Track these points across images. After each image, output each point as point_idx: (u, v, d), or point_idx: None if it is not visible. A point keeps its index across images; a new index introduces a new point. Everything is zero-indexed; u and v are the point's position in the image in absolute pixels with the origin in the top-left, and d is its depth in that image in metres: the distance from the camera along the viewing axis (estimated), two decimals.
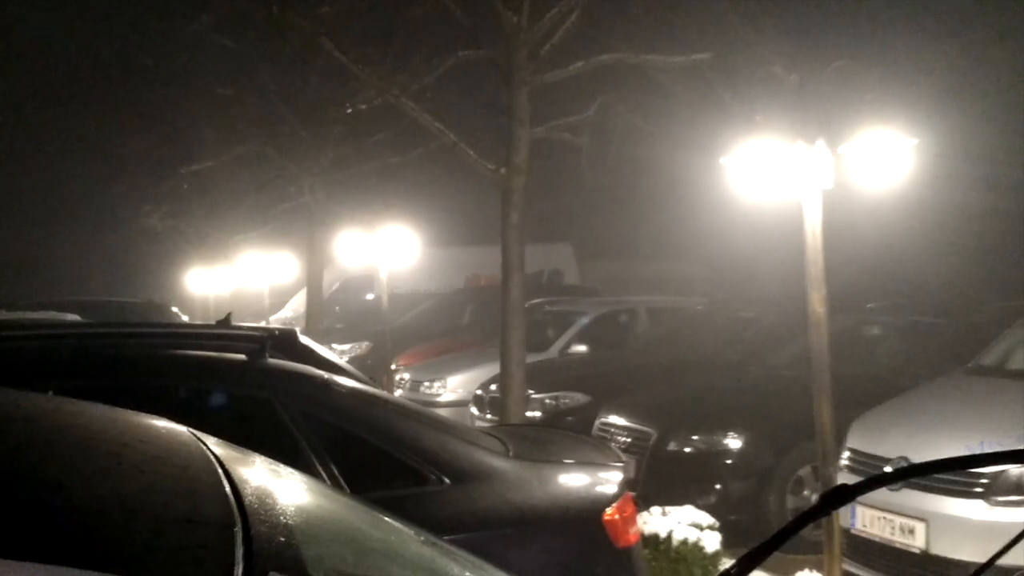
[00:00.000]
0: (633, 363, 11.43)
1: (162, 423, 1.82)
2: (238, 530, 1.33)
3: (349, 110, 13.39)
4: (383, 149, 16.75)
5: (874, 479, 1.80)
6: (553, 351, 13.16)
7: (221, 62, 16.20)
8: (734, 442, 8.13)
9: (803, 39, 9.15)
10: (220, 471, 1.54)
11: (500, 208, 9.68)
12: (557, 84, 10.07)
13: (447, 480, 3.98)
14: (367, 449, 4.04)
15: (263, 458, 1.86)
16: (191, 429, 1.80)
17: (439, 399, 13.16)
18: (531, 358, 10.31)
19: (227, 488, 1.47)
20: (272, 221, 21.17)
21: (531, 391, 10.07)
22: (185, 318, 20.39)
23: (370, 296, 21.28)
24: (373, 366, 14.73)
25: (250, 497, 1.45)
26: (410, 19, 12.34)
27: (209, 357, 4.33)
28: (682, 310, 13.73)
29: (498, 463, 4.14)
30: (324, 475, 3.85)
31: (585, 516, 4.11)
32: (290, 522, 1.45)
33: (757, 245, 16.36)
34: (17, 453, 1.49)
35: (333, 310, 21.64)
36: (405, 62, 11.15)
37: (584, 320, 13.70)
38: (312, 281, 18.51)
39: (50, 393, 3.34)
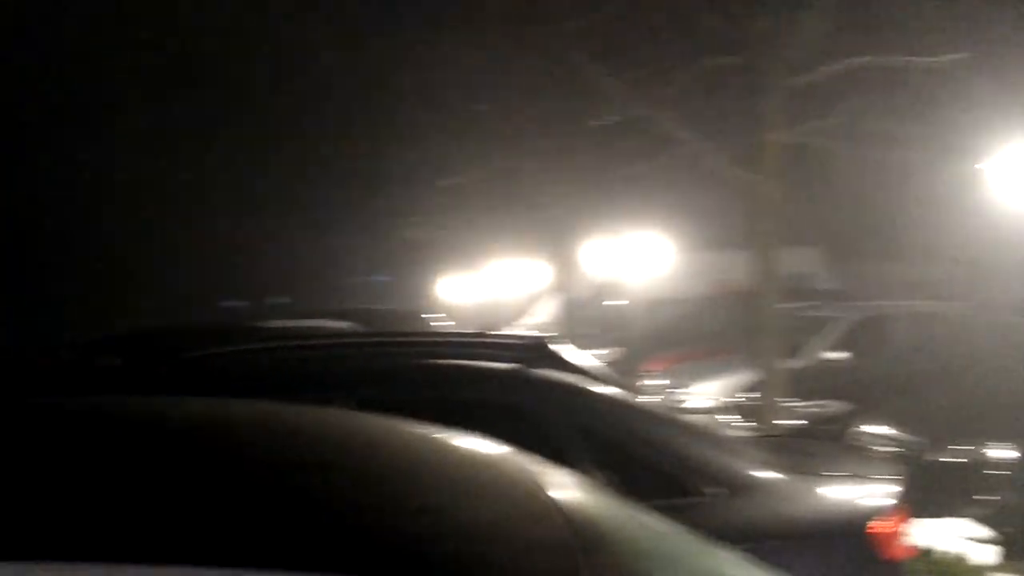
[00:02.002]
0: (895, 370, 10.97)
1: (488, 443, 1.88)
2: (581, 552, 1.36)
3: (597, 123, 13.49)
4: (630, 157, 16.78)
5: None
6: (807, 357, 12.77)
7: (472, 79, 16.64)
8: (1011, 452, 7.72)
9: None
10: (548, 492, 1.59)
11: (751, 214, 9.51)
12: (807, 88, 9.81)
13: (711, 491, 3.94)
14: (632, 459, 4.04)
15: (566, 472, 1.91)
16: (509, 447, 1.87)
17: (687, 405, 13.03)
18: (785, 364, 10.07)
19: (561, 510, 1.50)
20: (525, 231, 21.57)
21: (789, 398, 9.83)
22: (440, 326, 21.04)
23: (618, 302, 21.33)
24: (623, 373, 14.73)
25: (581, 517, 1.48)
26: (654, 29, 12.31)
27: (480, 367, 4.41)
28: (942, 315, 13.06)
29: (765, 474, 4.07)
30: None
31: (853, 529, 3.99)
32: (619, 541, 1.48)
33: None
34: (386, 479, 1.56)
35: (585, 316, 21.82)
36: (651, 72, 11.13)
37: (840, 325, 13.21)
38: (564, 288, 18.76)
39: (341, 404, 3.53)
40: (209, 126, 24.95)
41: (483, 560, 1.32)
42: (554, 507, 1.51)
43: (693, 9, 9.82)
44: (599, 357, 15.97)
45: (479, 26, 13.04)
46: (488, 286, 23.95)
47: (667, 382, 13.70)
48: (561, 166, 17.04)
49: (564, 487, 1.71)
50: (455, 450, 1.82)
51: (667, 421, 4.36)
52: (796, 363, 12.04)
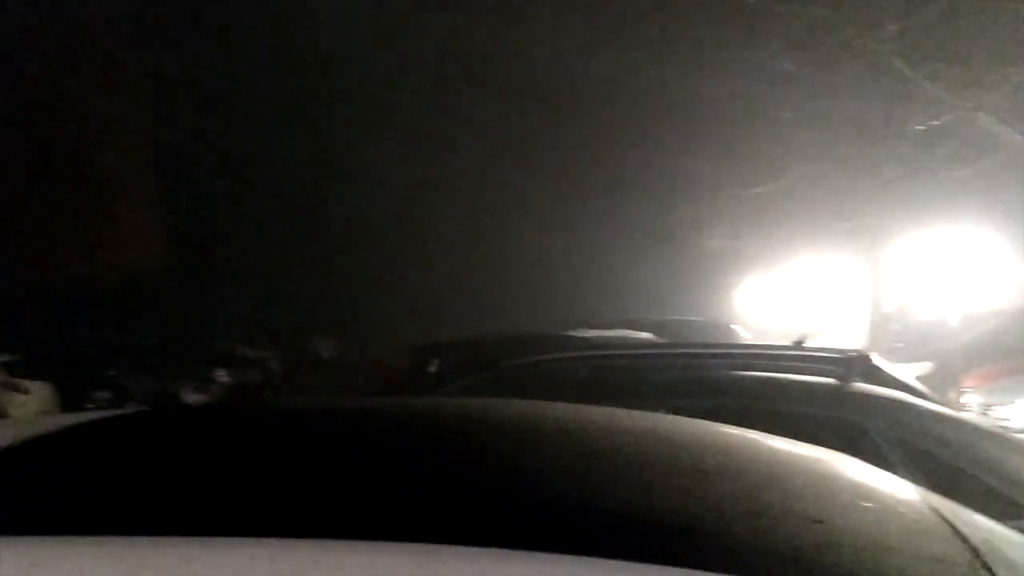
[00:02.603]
0: None
1: (844, 457, 1.89)
2: (980, 567, 1.34)
3: (922, 127, 12.94)
4: (947, 162, 15.98)
5: None
6: None
7: (782, 87, 16.37)
8: None
9: None
10: (928, 504, 1.58)
11: None
12: None
13: None
14: (961, 478, 3.86)
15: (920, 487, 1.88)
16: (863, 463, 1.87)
17: (1010, 424, 12.20)
18: None
19: (949, 523, 1.49)
20: (829, 240, 20.99)
21: None
22: (746, 338, 20.73)
23: (928, 314, 20.28)
24: (937, 388, 14.00)
25: (966, 530, 1.46)
26: (977, 31, 11.68)
27: (800, 381, 4.35)
28: None
29: None
30: None
31: None
32: (1003, 554, 1.44)
33: None
34: (775, 487, 1.58)
35: (893, 328, 20.90)
36: (977, 75, 10.56)
37: None
38: (873, 298, 18.09)
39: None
40: (516, 139, 25.84)
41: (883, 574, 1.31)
42: (947, 523, 1.49)
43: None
44: (909, 371, 15.30)
45: (793, 34, 12.83)
46: (790, 296, 23.41)
47: (985, 399, 12.89)
48: (871, 172, 16.45)
49: (944, 505, 1.68)
50: (830, 462, 1.83)
51: (996, 438, 4.12)
52: None
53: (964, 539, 1.41)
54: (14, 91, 29.66)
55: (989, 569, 1.33)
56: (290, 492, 1.41)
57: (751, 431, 2.04)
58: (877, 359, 4.89)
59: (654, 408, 3.67)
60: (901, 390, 4.43)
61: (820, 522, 1.41)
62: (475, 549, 1.21)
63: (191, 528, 1.28)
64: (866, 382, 4.35)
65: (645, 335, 12.77)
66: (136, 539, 1.25)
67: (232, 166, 36.24)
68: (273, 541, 1.23)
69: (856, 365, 4.35)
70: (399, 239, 37.07)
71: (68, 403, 20.14)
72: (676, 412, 3.44)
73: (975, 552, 1.36)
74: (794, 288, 22.03)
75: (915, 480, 3.79)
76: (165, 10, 32.84)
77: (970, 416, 4.84)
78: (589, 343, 8.88)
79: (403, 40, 29.08)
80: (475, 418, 1.96)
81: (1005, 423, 12.17)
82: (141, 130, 34.40)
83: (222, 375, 26.78)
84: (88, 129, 32.63)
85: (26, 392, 19.67)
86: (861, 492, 1.65)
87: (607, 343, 8.75)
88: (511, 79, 24.22)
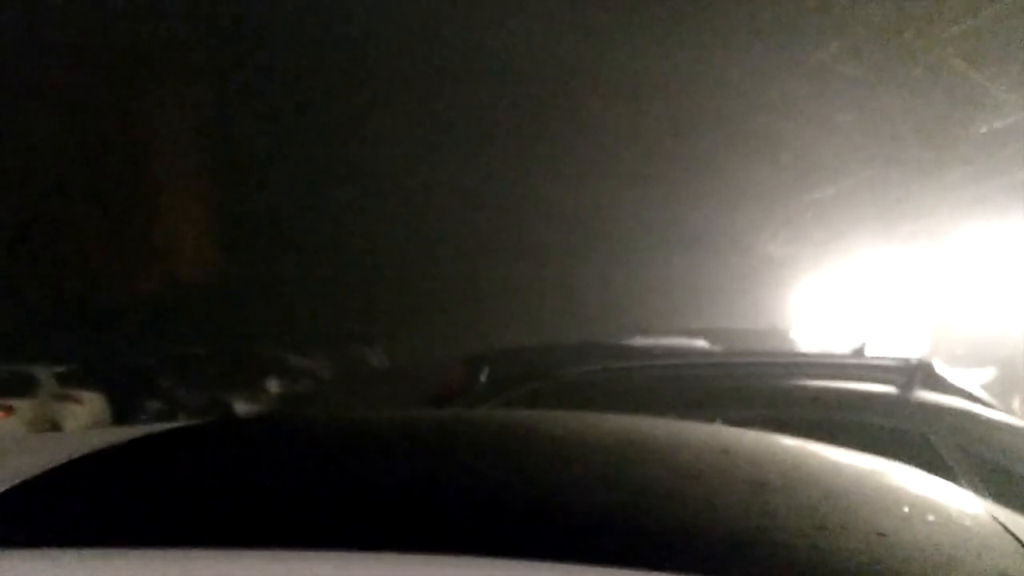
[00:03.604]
0: None
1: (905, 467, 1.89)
2: None
3: (984, 129, 12.78)
4: (1010, 164, 15.76)
5: None
6: None
7: (841, 89, 16.25)
8: None
9: None
10: (992, 516, 1.57)
11: None
12: None
13: None
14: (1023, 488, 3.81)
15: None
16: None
17: None
18: None
19: (1013, 536, 1.49)
20: (891, 243, 20.76)
21: None
22: (804, 346, 20.53)
23: (996, 319, 19.97)
24: (1001, 396, 13.79)
25: None
26: None
27: (860, 390, 4.31)
28: None
29: None
30: None
31: None
32: None
33: None
34: (833, 502, 1.59)
35: (955, 335, 20.61)
36: None
37: None
38: (935, 304, 17.87)
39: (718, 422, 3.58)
40: (571, 149, 25.90)
41: None
42: (1011, 536, 1.49)
43: None
44: (971, 379, 15.07)
45: (852, 35, 12.74)
46: (850, 303, 23.17)
47: None
48: (932, 176, 16.28)
49: (1008, 517, 1.68)
50: (892, 473, 1.83)
51: None
52: None
53: None
54: (61, 105, 30.21)
55: None
56: (344, 505, 1.44)
57: (810, 442, 2.04)
58: (939, 366, 4.83)
59: (710, 419, 3.66)
60: (964, 398, 4.38)
61: (883, 535, 1.41)
62: (532, 563, 1.23)
63: (245, 540, 1.31)
64: (928, 390, 4.31)
65: (701, 343, 12.68)
66: (190, 551, 1.28)
67: (284, 177, 36.63)
68: (330, 554, 1.25)
69: (917, 373, 4.31)
70: (451, 249, 37.20)
71: (120, 414, 20.42)
72: (733, 423, 3.44)
73: None
74: (854, 294, 21.80)
75: (978, 491, 3.76)
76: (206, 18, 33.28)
77: None
78: (644, 352, 8.86)
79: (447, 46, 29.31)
80: (529, 431, 1.98)
81: None
82: (190, 142, 34.92)
83: (272, 385, 27.01)
84: (138, 142, 33.14)
85: (79, 403, 19.99)
86: (924, 504, 1.65)
87: (662, 352, 8.71)
88: (561, 87, 24.30)
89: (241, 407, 23.58)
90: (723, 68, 17.70)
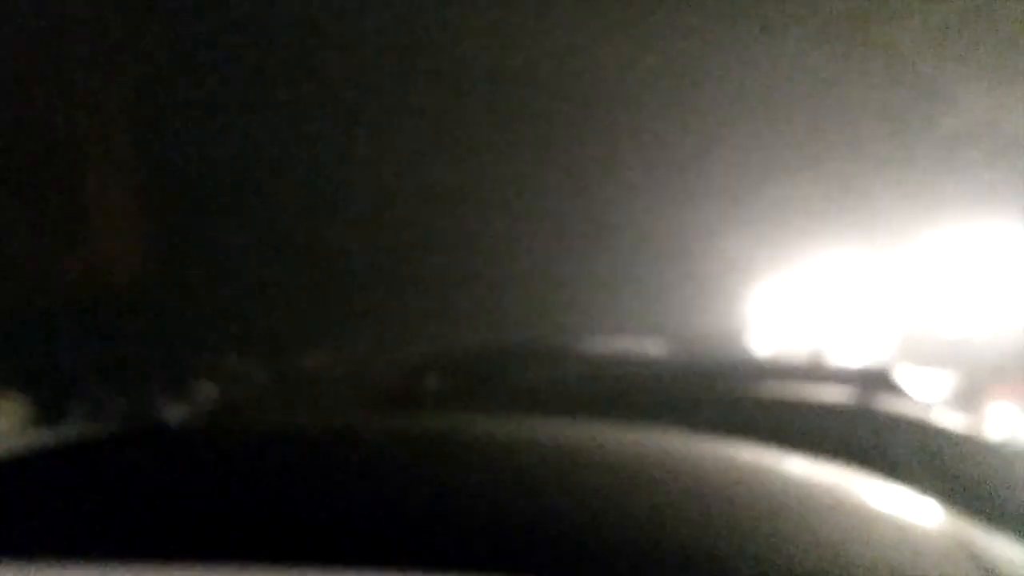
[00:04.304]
0: None
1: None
2: None
3: (950, 128, 12.97)
4: (978, 165, 15.99)
5: None
6: None
7: (801, 80, 16.39)
8: None
9: None
10: (948, 525, 1.61)
11: None
12: None
13: None
14: (987, 499, 3.90)
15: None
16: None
17: None
18: None
19: (967, 545, 1.52)
20: (851, 244, 20.94)
21: None
22: (760, 351, 20.65)
23: (960, 324, 20.23)
24: (964, 403, 14.01)
25: (987, 553, 1.50)
26: (1007, 30, 11.68)
27: (816, 397, 4.38)
28: None
29: None
30: None
31: None
32: None
33: None
34: (786, 510, 1.61)
35: (917, 340, 20.84)
36: (1008, 75, 10.57)
37: None
38: (895, 308, 18.06)
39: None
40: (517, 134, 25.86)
41: None
42: (964, 546, 1.53)
43: None
44: (933, 386, 15.24)
45: (811, 26, 12.84)
46: (808, 307, 23.37)
47: (1013, 413, 12.90)
48: (899, 174, 16.46)
49: (964, 527, 1.72)
50: (848, 482, 1.87)
51: (1021, 456, 4.16)
52: None
53: (982, 561, 1.45)
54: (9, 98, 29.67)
55: None
56: (270, 518, 1.43)
57: (764, 449, 2.07)
58: (898, 373, 4.91)
59: (664, 425, 3.71)
60: (924, 406, 4.46)
61: (840, 545, 1.44)
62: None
63: (170, 554, 1.30)
64: (887, 398, 4.39)
65: (654, 346, 12.73)
66: (114, 565, 1.27)
67: (221, 172, 36.13)
68: (257, 569, 1.25)
69: (876, 380, 4.39)
70: (400, 244, 36.94)
71: (44, 418, 20.16)
72: (684, 429, 3.48)
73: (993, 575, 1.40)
74: (812, 298, 21.98)
75: (935, 500, 3.85)
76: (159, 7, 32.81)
77: (995, 433, 4.87)
78: (594, 355, 8.91)
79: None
80: (477, 438, 1.99)
81: None
82: (129, 133, 34.38)
83: (204, 389, 26.74)
84: (72, 132, 32.59)
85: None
86: (879, 514, 1.69)
87: (614, 356, 8.76)
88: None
89: (169, 413, 23.33)
90: (683, 59, 17.78)
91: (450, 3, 22.42)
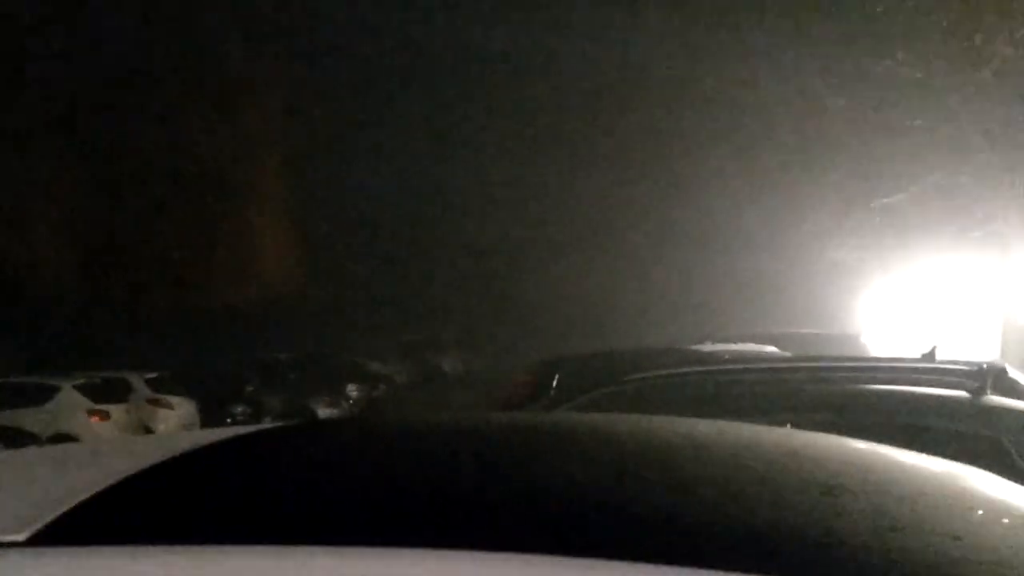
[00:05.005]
0: None
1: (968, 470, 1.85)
2: None
3: None
4: None
5: None
6: None
7: (910, 95, 15.96)
8: None
9: None
10: None
11: None
12: None
13: None
14: None
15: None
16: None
17: None
18: None
19: None
20: (961, 248, 20.38)
21: None
22: (875, 350, 20.19)
23: None
24: None
25: None
26: None
27: (927, 394, 4.23)
28: None
29: None
30: None
31: None
32: None
33: None
34: (906, 504, 1.54)
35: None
36: None
37: None
38: (1005, 308, 17.48)
39: (788, 426, 3.54)
40: (642, 156, 25.83)
41: None
42: None
43: None
44: None
45: (921, 40, 12.52)
46: (921, 307, 22.76)
47: None
48: (1003, 181, 15.93)
49: None
50: (965, 476, 1.79)
51: None
52: None
53: None
54: (157, 124, 30.94)
55: None
56: (411, 504, 1.43)
57: (882, 446, 2.00)
58: (1010, 370, 4.72)
59: (780, 423, 3.61)
60: None
61: (958, 538, 1.38)
62: (608, 562, 1.21)
63: (335, 538, 1.30)
64: (999, 394, 4.22)
65: (771, 348, 12.52)
66: (284, 548, 1.28)
67: (366, 197, 37.33)
68: (404, 551, 1.25)
69: (989, 377, 4.22)
70: (524, 259, 37.32)
71: (209, 418, 20.84)
72: (803, 427, 3.39)
73: None
74: (924, 299, 21.42)
75: None
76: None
77: None
78: (714, 357, 8.79)
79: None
80: (602, 434, 1.97)
81: None
82: (282, 162, 35.70)
83: (352, 389, 27.37)
84: (231, 161, 33.92)
85: (170, 407, 20.44)
86: (998, 507, 1.61)
87: (732, 357, 8.62)
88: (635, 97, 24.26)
89: (323, 411, 23.94)
90: (791, 78, 17.53)
91: None
